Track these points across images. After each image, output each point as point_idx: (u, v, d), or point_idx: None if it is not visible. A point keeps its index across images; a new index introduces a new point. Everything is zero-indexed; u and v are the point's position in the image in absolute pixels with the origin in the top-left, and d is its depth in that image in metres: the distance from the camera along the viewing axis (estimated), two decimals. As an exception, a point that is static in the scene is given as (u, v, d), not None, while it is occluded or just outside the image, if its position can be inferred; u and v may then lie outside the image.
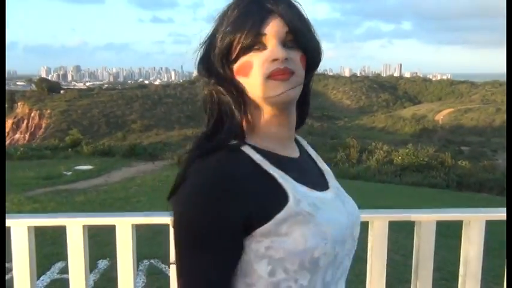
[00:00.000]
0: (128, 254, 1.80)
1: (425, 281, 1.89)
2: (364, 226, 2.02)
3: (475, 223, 1.84)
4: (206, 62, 0.84)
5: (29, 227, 1.76)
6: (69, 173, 15.21)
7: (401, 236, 4.88)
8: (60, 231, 1.85)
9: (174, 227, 0.77)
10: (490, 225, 1.92)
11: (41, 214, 2.22)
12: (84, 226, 1.79)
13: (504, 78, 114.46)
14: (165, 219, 1.91)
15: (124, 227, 1.79)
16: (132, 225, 1.81)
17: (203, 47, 0.84)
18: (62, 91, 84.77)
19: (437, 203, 10.60)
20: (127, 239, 1.79)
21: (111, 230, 1.84)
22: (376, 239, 1.90)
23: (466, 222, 1.87)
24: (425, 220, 1.86)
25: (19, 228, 1.76)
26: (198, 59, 0.85)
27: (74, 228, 1.76)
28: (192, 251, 0.74)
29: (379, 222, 1.88)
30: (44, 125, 65.15)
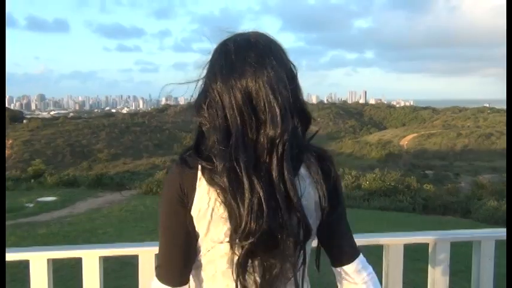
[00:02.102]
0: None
1: (396, 305, 1.91)
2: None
3: (440, 245, 1.88)
4: (200, 107, 0.96)
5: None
6: (32, 205, 14.64)
7: (369, 260, 4.92)
8: (21, 266, 1.78)
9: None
10: (456, 247, 1.98)
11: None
12: (48, 260, 1.72)
13: (464, 105, 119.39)
14: (133, 250, 1.87)
15: (91, 259, 1.74)
16: (100, 257, 1.76)
17: (199, 93, 0.98)
18: (24, 120, 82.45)
19: (405, 226, 10.78)
20: (94, 272, 1.73)
21: (75, 263, 1.78)
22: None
23: (432, 245, 1.92)
24: (393, 244, 1.90)
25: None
26: (196, 101, 0.97)
27: (38, 262, 1.70)
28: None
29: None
30: (5, 156, 62.87)
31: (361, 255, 1.09)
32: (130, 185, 19.85)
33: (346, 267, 1.06)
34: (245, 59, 0.93)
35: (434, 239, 1.88)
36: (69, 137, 70.29)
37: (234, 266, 0.94)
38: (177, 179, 0.97)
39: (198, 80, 0.98)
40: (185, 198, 0.96)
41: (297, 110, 0.97)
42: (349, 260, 1.06)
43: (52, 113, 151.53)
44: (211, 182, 0.92)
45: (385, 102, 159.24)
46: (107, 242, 9.40)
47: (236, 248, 0.92)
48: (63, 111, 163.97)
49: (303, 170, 0.97)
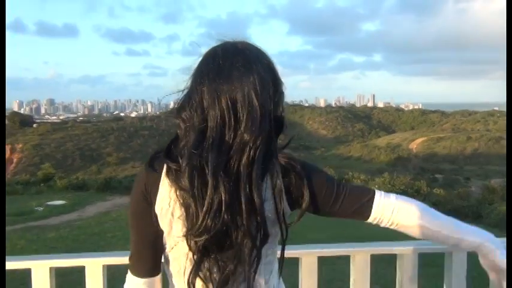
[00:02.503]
0: (98, 297, 1.70)
1: (410, 316, 1.84)
2: (346, 259, 1.97)
3: (457, 254, 1.81)
4: (182, 108, 0.98)
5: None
6: (41, 208, 14.74)
7: (380, 267, 4.84)
8: (24, 274, 1.74)
9: None
10: (469, 253, 1.90)
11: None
12: (51, 268, 1.68)
13: (473, 108, 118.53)
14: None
15: (94, 268, 1.69)
16: (104, 265, 1.71)
17: (184, 94, 0.99)
18: (34, 125, 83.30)
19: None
20: (97, 281, 1.68)
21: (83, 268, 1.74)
22: (358, 273, 1.85)
23: (448, 254, 1.84)
24: (408, 253, 1.83)
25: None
26: (179, 104, 0.99)
27: (40, 271, 1.65)
28: None
29: (360, 256, 1.84)
30: (15, 160, 63.52)
31: (377, 193, 1.07)
32: (139, 188, 19.90)
33: (373, 214, 1.06)
34: (232, 63, 0.95)
35: (451, 248, 1.81)
36: (79, 141, 70.84)
37: (188, 262, 0.99)
38: (143, 179, 1.02)
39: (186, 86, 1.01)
40: (149, 197, 1.01)
41: (276, 117, 0.99)
42: (369, 209, 1.06)
43: (61, 117, 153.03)
44: (173, 182, 0.95)
45: (394, 106, 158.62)
46: (116, 245, 9.40)
47: (192, 245, 0.95)
48: (72, 115, 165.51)
49: (268, 177, 0.98)
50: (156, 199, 0.99)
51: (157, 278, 1.09)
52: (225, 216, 0.91)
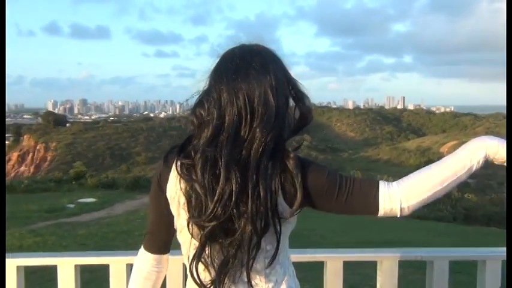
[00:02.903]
0: (122, 295, 1.70)
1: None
2: (373, 265, 1.91)
3: (491, 264, 1.73)
4: (200, 105, 1.06)
5: (18, 267, 1.67)
6: (72, 205, 15.08)
7: (408, 272, 4.71)
8: (50, 270, 1.76)
9: None
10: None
11: (30, 253, 2.14)
12: (76, 266, 1.70)
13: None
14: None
15: (118, 267, 1.70)
16: (127, 264, 1.72)
17: (202, 93, 1.08)
18: (68, 124, 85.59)
19: (445, 237, 10.35)
20: (121, 279, 1.69)
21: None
22: (385, 280, 1.80)
23: (481, 262, 1.77)
24: (438, 260, 1.76)
25: (7, 269, 1.67)
26: (197, 101, 1.08)
27: (65, 268, 1.67)
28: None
29: (388, 262, 1.78)
30: (49, 158, 65.41)
31: (381, 185, 1.09)
32: (167, 188, 20.12)
33: (381, 208, 1.07)
34: (250, 63, 1.03)
35: (484, 256, 1.73)
36: (109, 140, 72.34)
37: (191, 246, 1.08)
38: (158, 169, 1.15)
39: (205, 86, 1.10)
40: (162, 185, 1.13)
41: (289, 116, 1.07)
42: (376, 204, 1.07)
43: (93, 117, 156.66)
44: (182, 174, 1.04)
45: (424, 108, 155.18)
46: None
47: (195, 232, 1.04)
48: (104, 115, 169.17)
49: (279, 171, 1.03)
50: (167, 187, 1.11)
51: (165, 257, 1.25)
52: (234, 206, 0.99)
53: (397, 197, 1.07)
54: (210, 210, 0.98)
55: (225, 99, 1.01)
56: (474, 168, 1.08)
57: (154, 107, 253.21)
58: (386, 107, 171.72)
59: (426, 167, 1.11)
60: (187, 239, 1.10)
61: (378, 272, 1.81)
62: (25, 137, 72.27)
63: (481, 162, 1.09)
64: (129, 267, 1.73)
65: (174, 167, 1.09)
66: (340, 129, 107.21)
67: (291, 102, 1.09)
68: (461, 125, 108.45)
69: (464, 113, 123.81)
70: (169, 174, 1.11)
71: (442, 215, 16.26)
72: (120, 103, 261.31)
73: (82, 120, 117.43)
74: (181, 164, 1.05)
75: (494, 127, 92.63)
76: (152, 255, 1.23)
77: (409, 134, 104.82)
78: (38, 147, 67.73)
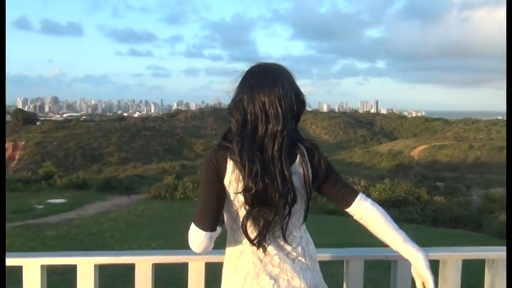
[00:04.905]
0: (89, 296, 1.68)
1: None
2: (340, 265, 1.96)
3: (451, 263, 1.80)
4: (233, 108, 1.42)
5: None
6: (41, 206, 14.72)
7: (378, 273, 4.80)
8: (15, 271, 1.73)
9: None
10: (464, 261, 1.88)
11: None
12: (42, 266, 1.67)
13: (476, 117, 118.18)
14: (132, 258, 1.80)
15: (86, 267, 1.68)
16: (95, 265, 1.70)
17: (232, 100, 1.43)
18: (38, 122, 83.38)
19: (414, 239, 10.56)
20: (88, 280, 1.67)
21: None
22: (351, 279, 1.84)
23: (443, 262, 1.83)
24: (402, 259, 1.81)
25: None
26: (230, 106, 1.43)
27: (31, 269, 1.65)
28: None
29: (354, 262, 1.83)
30: (17, 157, 63.57)
31: (359, 194, 1.49)
32: (139, 189, 19.85)
33: (353, 206, 1.47)
34: (263, 79, 1.40)
35: (445, 256, 1.80)
36: (81, 140, 70.84)
37: (242, 210, 1.39)
38: (213, 155, 1.39)
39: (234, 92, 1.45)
40: (219, 170, 1.38)
41: (296, 116, 1.46)
42: (351, 200, 1.48)
43: (65, 115, 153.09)
44: (232, 158, 1.35)
45: (397, 113, 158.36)
46: (114, 246, 9.38)
47: (242, 200, 1.37)
48: (76, 114, 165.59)
49: (296, 157, 1.41)
50: (226, 173, 1.37)
51: (215, 233, 1.42)
52: (263, 181, 1.32)
53: (365, 207, 1.47)
54: (245, 184, 1.32)
55: (247, 104, 1.38)
56: (403, 254, 1.47)
57: (128, 107, 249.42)
58: (360, 111, 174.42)
59: (392, 221, 1.48)
60: (242, 214, 1.39)
61: (345, 272, 1.85)
62: (-8, 135, 70.03)
63: (407, 257, 1.47)
64: (97, 268, 1.71)
65: (228, 154, 1.37)
66: (315, 132, 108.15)
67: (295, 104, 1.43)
68: (431, 129, 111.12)
69: (435, 118, 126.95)
70: (226, 160, 1.37)
71: (412, 217, 16.58)
72: (93, 102, 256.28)
73: (53, 119, 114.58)
74: (227, 147, 1.37)
75: (462, 132, 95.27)
76: (204, 232, 1.40)
77: (381, 138, 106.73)
78: (6, 146, 65.75)
